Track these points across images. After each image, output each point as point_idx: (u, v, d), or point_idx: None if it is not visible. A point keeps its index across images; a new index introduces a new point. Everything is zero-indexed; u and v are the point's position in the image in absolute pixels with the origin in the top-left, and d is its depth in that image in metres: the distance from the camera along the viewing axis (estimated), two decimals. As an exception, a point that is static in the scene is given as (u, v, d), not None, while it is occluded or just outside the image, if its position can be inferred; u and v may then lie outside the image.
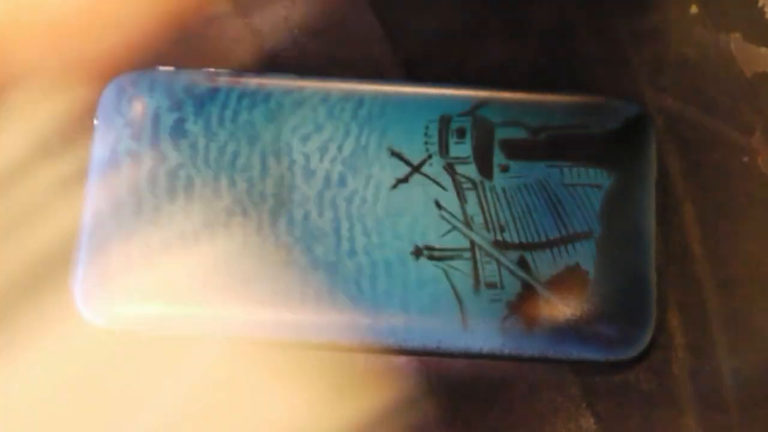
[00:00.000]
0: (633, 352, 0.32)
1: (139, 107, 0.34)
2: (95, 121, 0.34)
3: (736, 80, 0.36)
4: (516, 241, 0.33)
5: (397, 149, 0.34)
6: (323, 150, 0.34)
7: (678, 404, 0.33)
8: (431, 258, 0.33)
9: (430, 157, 0.34)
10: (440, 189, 0.33)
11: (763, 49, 0.36)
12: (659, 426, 0.33)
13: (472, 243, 0.33)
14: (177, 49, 0.36)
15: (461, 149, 0.34)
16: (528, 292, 0.32)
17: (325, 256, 0.33)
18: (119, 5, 0.35)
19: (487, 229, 0.33)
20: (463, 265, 0.33)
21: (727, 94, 0.35)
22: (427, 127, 0.34)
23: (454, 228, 0.33)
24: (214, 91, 0.34)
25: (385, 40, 0.36)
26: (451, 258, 0.33)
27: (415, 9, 0.37)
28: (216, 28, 0.37)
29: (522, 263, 0.33)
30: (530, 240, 0.33)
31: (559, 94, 0.34)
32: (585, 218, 0.33)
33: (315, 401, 0.32)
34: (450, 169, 0.34)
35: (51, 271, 0.33)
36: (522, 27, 0.36)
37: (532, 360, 0.32)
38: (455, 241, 0.33)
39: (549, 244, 0.33)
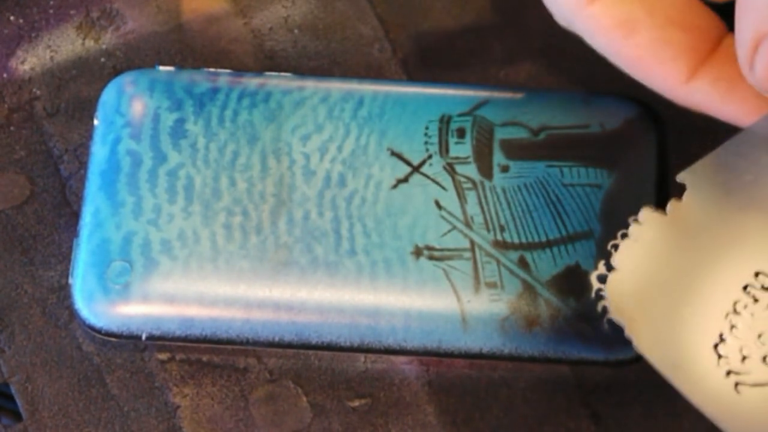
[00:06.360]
0: (633, 352, 0.32)
1: (139, 107, 0.34)
2: (95, 121, 0.34)
3: (736, 80, 0.35)
4: (516, 241, 0.33)
5: (397, 149, 0.34)
6: (323, 150, 0.34)
7: (678, 404, 0.33)
8: (431, 258, 0.33)
9: (430, 157, 0.34)
10: (440, 189, 0.33)
11: (763, 49, 0.35)
12: (659, 426, 0.33)
13: (472, 243, 0.33)
14: (177, 49, 0.36)
15: (461, 149, 0.34)
16: (528, 292, 0.32)
17: (325, 256, 0.33)
18: None
19: (487, 229, 0.33)
20: (463, 265, 0.33)
21: (727, 94, 0.35)
22: (427, 127, 0.34)
23: (454, 228, 0.33)
24: (214, 91, 0.34)
25: (385, 40, 0.36)
26: (451, 258, 0.33)
27: (415, 9, 0.37)
28: (216, 28, 0.37)
29: (522, 263, 0.33)
30: (530, 240, 0.33)
31: (559, 94, 0.34)
32: (585, 218, 0.33)
33: None
34: (450, 169, 0.34)
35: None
36: (522, 27, 0.36)
37: (532, 360, 0.32)
38: (455, 241, 0.33)
39: (549, 244, 0.33)
